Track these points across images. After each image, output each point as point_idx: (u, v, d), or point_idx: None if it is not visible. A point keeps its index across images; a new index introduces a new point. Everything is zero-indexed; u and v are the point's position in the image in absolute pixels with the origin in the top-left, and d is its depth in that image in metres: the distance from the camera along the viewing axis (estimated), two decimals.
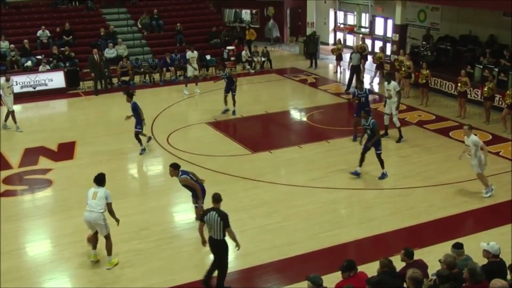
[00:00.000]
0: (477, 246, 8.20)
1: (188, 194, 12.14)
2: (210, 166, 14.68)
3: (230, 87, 18.77)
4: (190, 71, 22.04)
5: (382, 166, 13.77)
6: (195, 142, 16.66)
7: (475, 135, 12.98)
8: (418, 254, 8.58)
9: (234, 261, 10.45)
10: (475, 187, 13.14)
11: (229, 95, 18.83)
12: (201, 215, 9.23)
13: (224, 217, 8.92)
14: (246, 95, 21.03)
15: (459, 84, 18.06)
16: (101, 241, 10.24)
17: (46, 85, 21.97)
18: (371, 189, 13.26)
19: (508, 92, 16.75)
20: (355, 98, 16.60)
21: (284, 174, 14.49)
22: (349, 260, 7.81)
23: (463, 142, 16.08)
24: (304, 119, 19.03)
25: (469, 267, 7.14)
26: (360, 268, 7.95)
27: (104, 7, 28.14)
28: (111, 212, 10.09)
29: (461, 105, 18.46)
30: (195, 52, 22.35)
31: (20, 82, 21.61)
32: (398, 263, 8.08)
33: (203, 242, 9.30)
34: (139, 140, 15.62)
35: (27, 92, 21.60)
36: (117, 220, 10.20)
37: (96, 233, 10.21)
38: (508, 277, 7.45)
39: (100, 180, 10.24)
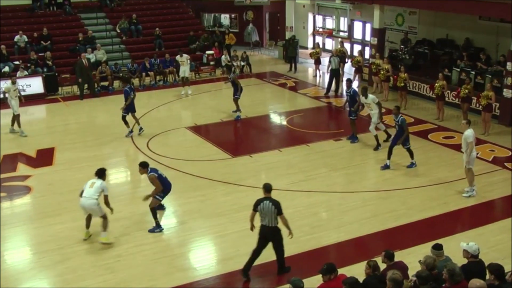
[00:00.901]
0: (456, 247, 8.30)
1: (167, 199, 12.14)
2: (190, 171, 14.65)
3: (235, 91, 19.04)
4: (182, 73, 22.45)
5: (412, 156, 14.56)
6: (175, 147, 16.62)
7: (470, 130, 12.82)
8: (398, 256, 8.64)
9: (216, 265, 10.46)
10: (454, 188, 13.30)
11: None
12: (254, 205, 9.69)
13: (277, 205, 9.51)
14: (226, 99, 21.00)
15: (436, 86, 18.26)
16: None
17: (24, 90, 21.68)
18: (351, 192, 13.33)
19: (483, 94, 17.00)
20: (346, 101, 17.00)
21: (264, 178, 14.42)
22: (329, 263, 7.86)
23: (441, 144, 16.40)
24: (284, 123, 19.08)
25: (448, 267, 7.21)
26: (341, 271, 8.00)
27: (82, 12, 27.95)
28: (107, 203, 11.07)
29: (439, 108, 18.67)
30: (184, 56, 22.63)
31: None
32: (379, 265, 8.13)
33: (252, 228, 9.88)
34: (126, 123, 17.13)
35: (4, 98, 21.27)
36: (112, 209, 11.18)
37: (90, 216, 11.25)
38: (487, 277, 7.54)
39: (100, 173, 11.29)
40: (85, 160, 15.59)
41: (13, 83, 18.06)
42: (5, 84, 18.45)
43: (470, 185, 12.94)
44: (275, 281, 9.80)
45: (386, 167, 14.55)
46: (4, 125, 18.17)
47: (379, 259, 8.17)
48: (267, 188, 9.70)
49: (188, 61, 22.78)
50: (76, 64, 22.65)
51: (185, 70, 22.45)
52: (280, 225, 9.69)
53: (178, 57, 22.74)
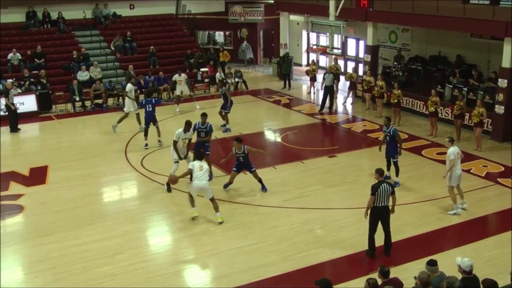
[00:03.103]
0: (451, 262, 8.29)
1: (162, 217, 12.10)
2: (184, 188, 14.59)
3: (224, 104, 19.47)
4: (178, 91, 22.69)
5: (397, 174, 14.46)
6: (170, 164, 16.55)
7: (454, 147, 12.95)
8: (394, 272, 8.63)
9: (210, 283, 10.41)
10: (448, 204, 13.31)
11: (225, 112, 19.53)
12: (373, 189, 10.74)
13: (392, 186, 10.95)
14: (220, 117, 21.04)
15: (429, 103, 18.37)
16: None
17: (17, 108, 21.68)
18: (345, 209, 13.31)
19: (474, 111, 17.09)
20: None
21: (259, 195, 14.46)
22: (325, 279, 7.82)
23: (435, 160, 16.44)
24: (279, 139, 19.10)
25: (448, 280, 7.20)
26: None
27: (77, 30, 28.03)
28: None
29: (432, 124, 18.76)
30: (182, 75, 22.81)
31: None
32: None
33: (367, 214, 10.98)
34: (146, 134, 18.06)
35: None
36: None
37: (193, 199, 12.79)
38: None
39: (201, 155, 14.14)
40: (79, 178, 15.53)
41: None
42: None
43: (454, 202, 12.87)
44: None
45: (396, 185, 14.12)
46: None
47: (375, 275, 8.15)
48: (381, 172, 10.97)
49: (186, 81, 22.91)
50: (125, 75, 23.78)
51: (182, 90, 22.60)
52: None
53: (176, 76, 22.76)
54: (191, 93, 23.70)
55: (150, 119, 18.01)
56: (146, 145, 17.89)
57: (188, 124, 14.62)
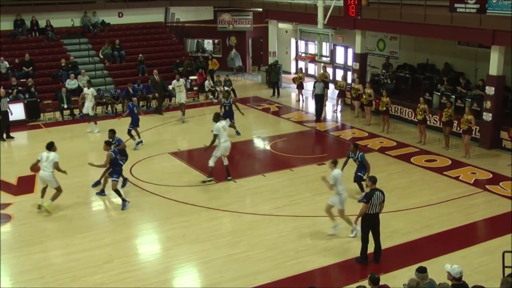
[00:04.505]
0: (440, 269, 8.32)
1: (151, 225, 12.05)
2: (174, 197, 14.58)
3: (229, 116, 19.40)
4: (179, 99, 22.54)
5: (362, 190, 14.16)
6: (159, 172, 16.54)
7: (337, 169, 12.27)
8: (383, 280, 8.66)
9: None
10: (437, 211, 13.38)
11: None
12: (367, 197, 10.79)
13: (384, 194, 10.93)
14: (210, 125, 20.96)
15: (418, 110, 18.49)
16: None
17: (11, 114, 21.51)
18: (335, 216, 13.30)
19: (463, 118, 17.22)
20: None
21: (248, 203, 14.46)
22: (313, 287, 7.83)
23: (424, 167, 16.53)
24: (268, 147, 19.12)
25: (439, 287, 7.23)
26: None
27: (65, 38, 27.94)
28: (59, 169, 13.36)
29: (421, 132, 18.87)
30: (181, 81, 22.76)
31: None
32: None
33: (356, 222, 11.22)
34: (131, 136, 18.71)
35: None
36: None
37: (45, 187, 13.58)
38: None
39: (50, 146, 13.76)
40: (68, 186, 15.39)
41: None
42: None
43: (350, 224, 12.11)
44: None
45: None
46: None
47: (365, 283, 8.16)
48: (375, 180, 10.99)
49: (183, 86, 22.91)
50: (150, 81, 24.05)
51: (181, 97, 22.39)
52: None
53: (175, 82, 22.53)
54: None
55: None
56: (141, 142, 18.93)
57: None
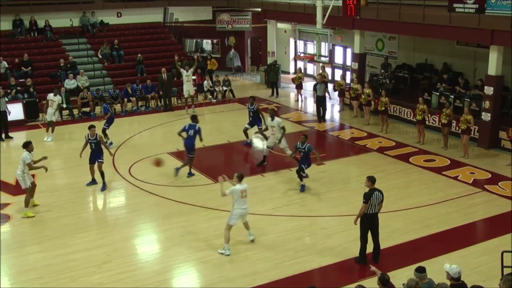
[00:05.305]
0: (439, 269, 8.32)
1: (149, 226, 12.04)
2: (172, 197, 14.57)
3: (256, 121, 18.98)
4: (186, 92, 22.63)
5: (301, 179, 14.84)
6: (158, 172, 16.52)
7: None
8: None
9: None
10: (436, 211, 13.38)
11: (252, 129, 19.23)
12: (366, 197, 10.76)
13: (382, 193, 10.91)
14: (209, 125, 21.04)
15: (417, 111, 18.48)
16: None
17: (9, 113, 21.48)
18: (334, 216, 13.34)
19: (462, 118, 17.23)
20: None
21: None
22: (312, 287, 7.81)
23: (423, 167, 16.52)
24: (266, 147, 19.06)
25: (437, 286, 7.23)
26: None
27: (64, 38, 27.90)
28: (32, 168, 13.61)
29: (420, 131, 18.87)
30: (190, 71, 22.95)
31: None
32: None
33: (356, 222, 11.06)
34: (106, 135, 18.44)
35: None
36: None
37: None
38: None
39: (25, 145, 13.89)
40: (66, 187, 15.44)
41: None
42: None
43: (226, 242, 11.53)
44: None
45: (303, 188, 14.85)
46: None
47: (364, 283, 8.15)
48: (374, 180, 10.95)
49: (191, 77, 22.99)
50: (157, 79, 24.20)
51: (188, 90, 22.48)
52: None
53: (183, 72, 22.86)
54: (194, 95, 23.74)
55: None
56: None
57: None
